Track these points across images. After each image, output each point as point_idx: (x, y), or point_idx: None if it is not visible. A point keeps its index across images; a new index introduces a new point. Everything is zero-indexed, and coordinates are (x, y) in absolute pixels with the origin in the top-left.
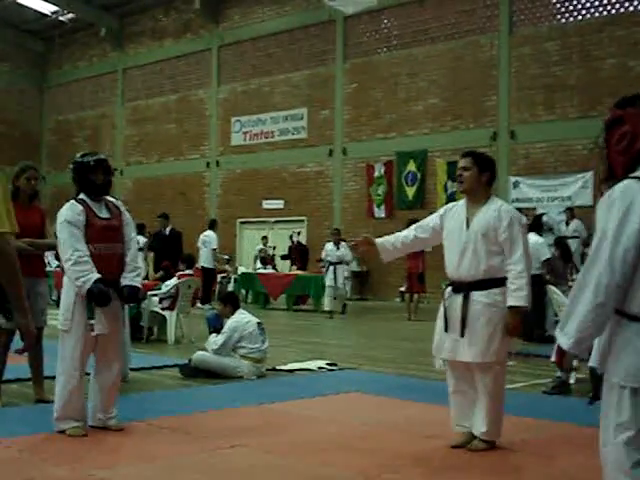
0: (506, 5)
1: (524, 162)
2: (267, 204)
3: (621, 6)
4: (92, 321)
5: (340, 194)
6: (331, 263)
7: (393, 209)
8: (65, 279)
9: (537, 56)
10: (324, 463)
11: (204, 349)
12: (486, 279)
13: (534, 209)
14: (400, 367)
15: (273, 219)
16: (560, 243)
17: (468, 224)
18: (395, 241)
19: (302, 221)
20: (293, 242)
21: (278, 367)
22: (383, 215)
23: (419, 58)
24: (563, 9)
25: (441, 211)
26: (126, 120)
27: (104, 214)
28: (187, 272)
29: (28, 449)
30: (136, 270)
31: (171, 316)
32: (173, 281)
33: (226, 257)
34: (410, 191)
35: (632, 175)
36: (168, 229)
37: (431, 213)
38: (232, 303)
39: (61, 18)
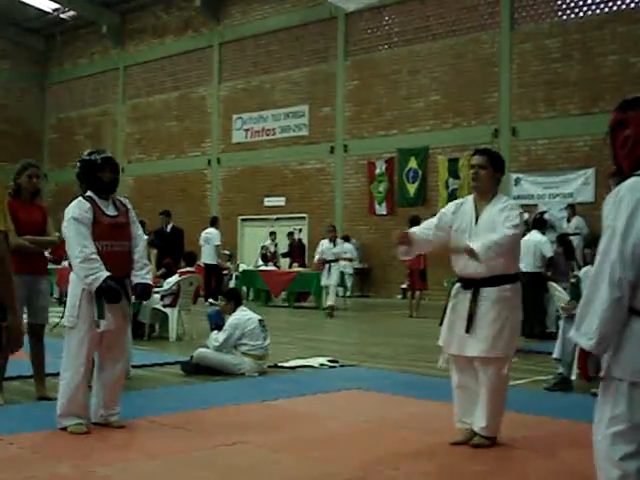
0: (507, 2)
1: (525, 159)
2: (268, 201)
3: (622, 2)
4: (101, 319)
5: (341, 191)
6: (327, 261)
7: (394, 206)
8: (72, 276)
9: (538, 53)
10: (325, 460)
11: (205, 346)
12: (496, 275)
13: (535, 206)
14: (402, 364)
15: (274, 216)
16: (563, 240)
17: (477, 221)
18: (425, 238)
19: (303, 218)
20: (294, 239)
21: (280, 364)
22: (384, 212)
23: (420, 55)
24: (564, 6)
25: (452, 208)
26: (127, 117)
27: (111, 212)
28: (188, 269)
29: (30, 446)
30: (146, 267)
31: (172, 313)
32: (174, 278)
33: (227, 253)
34: (411, 188)
35: (637, 173)
36: (169, 226)
37: (432, 210)
38: (235, 299)
39: (62, 16)
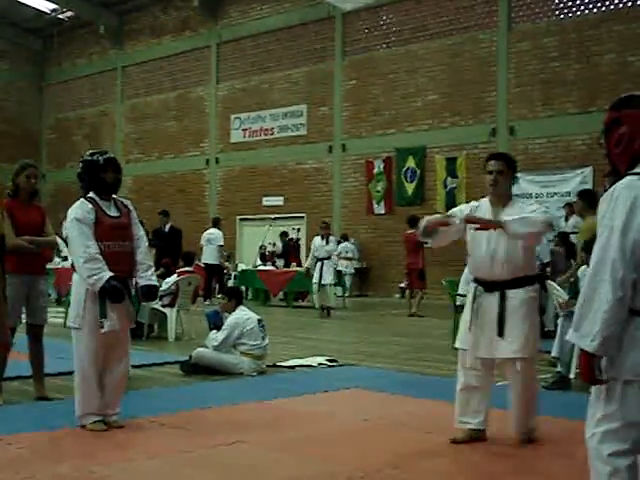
0: (504, 1)
1: (523, 158)
2: (267, 201)
3: (619, 1)
4: (104, 319)
5: (340, 190)
6: (319, 259)
7: (393, 205)
8: (75, 276)
9: (536, 52)
10: (325, 459)
11: (204, 346)
12: (521, 277)
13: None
14: (400, 363)
15: (273, 216)
16: (564, 239)
17: None
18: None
19: (302, 218)
20: (292, 239)
21: (278, 363)
22: (383, 211)
23: (418, 54)
24: (562, 5)
25: (466, 210)
26: (125, 118)
27: (113, 212)
28: (187, 269)
29: (29, 447)
30: (150, 268)
31: (171, 313)
32: (173, 278)
33: (225, 253)
34: (409, 187)
35: (633, 172)
36: (167, 226)
37: (430, 209)
38: (236, 298)
39: (60, 16)
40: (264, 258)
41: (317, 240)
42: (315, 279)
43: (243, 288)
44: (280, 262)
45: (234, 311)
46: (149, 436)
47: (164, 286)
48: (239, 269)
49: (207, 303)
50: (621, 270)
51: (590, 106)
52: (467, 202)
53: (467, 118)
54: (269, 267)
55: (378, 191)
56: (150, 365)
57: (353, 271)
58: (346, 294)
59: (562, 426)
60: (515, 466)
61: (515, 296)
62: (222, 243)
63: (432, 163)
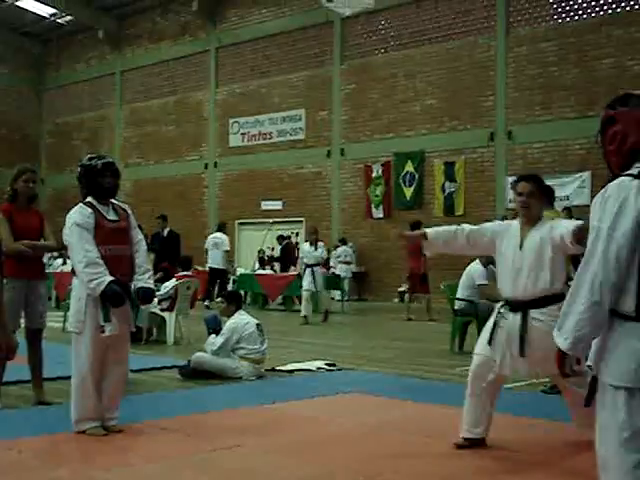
0: (503, 6)
1: (522, 162)
2: (265, 205)
3: (617, 6)
4: (107, 323)
5: (338, 195)
6: (308, 265)
7: (391, 210)
8: (75, 281)
9: (534, 56)
10: (324, 463)
11: (203, 350)
12: (543, 296)
13: None
14: (399, 367)
15: (271, 220)
16: None
17: (521, 245)
18: (447, 237)
19: (300, 222)
20: (291, 243)
21: (277, 368)
22: (381, 216)
23: (416, 59)
24: (560, 9)
25: (495, 227)
26: (124, 122)
27: (112, 216)
28: (185, 273)
29: (28, 451)
30: (148, 272)
31: (170, 317)
32: (172, 282)
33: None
34: (408, 192)
35: (626, 172)
36: (166, 231)
37: (429, 213)
38: (236, 302)
39: (59, 20)
40: (263, 262)
41: (305, 246)
42: (305, 286)
43: (242, 292)
44: (277, 266)
45: (233, 315)
46: (148, 440)
47: (163, 290)
48: (238, 273)
49: (206, 303)
50: (600, 274)
51: (588, 111)
52: (465, 206)
53: (465, 122)
54: (268, 271)
55: (377, 195)
56: (149, 369)
57: (350, 275)
58: (345, 298)
59: (560, 429)
60: (516, 470)
61: (538, 317)
62: (228, 248)
63: (431, 167)
